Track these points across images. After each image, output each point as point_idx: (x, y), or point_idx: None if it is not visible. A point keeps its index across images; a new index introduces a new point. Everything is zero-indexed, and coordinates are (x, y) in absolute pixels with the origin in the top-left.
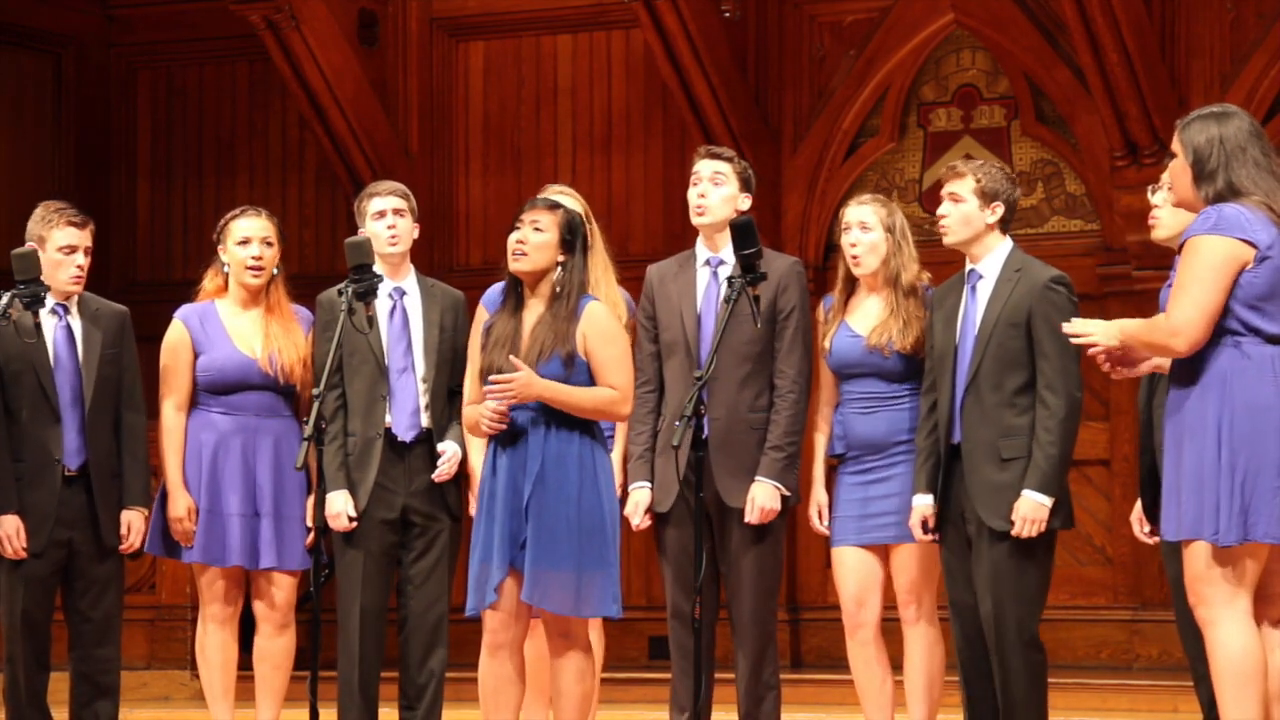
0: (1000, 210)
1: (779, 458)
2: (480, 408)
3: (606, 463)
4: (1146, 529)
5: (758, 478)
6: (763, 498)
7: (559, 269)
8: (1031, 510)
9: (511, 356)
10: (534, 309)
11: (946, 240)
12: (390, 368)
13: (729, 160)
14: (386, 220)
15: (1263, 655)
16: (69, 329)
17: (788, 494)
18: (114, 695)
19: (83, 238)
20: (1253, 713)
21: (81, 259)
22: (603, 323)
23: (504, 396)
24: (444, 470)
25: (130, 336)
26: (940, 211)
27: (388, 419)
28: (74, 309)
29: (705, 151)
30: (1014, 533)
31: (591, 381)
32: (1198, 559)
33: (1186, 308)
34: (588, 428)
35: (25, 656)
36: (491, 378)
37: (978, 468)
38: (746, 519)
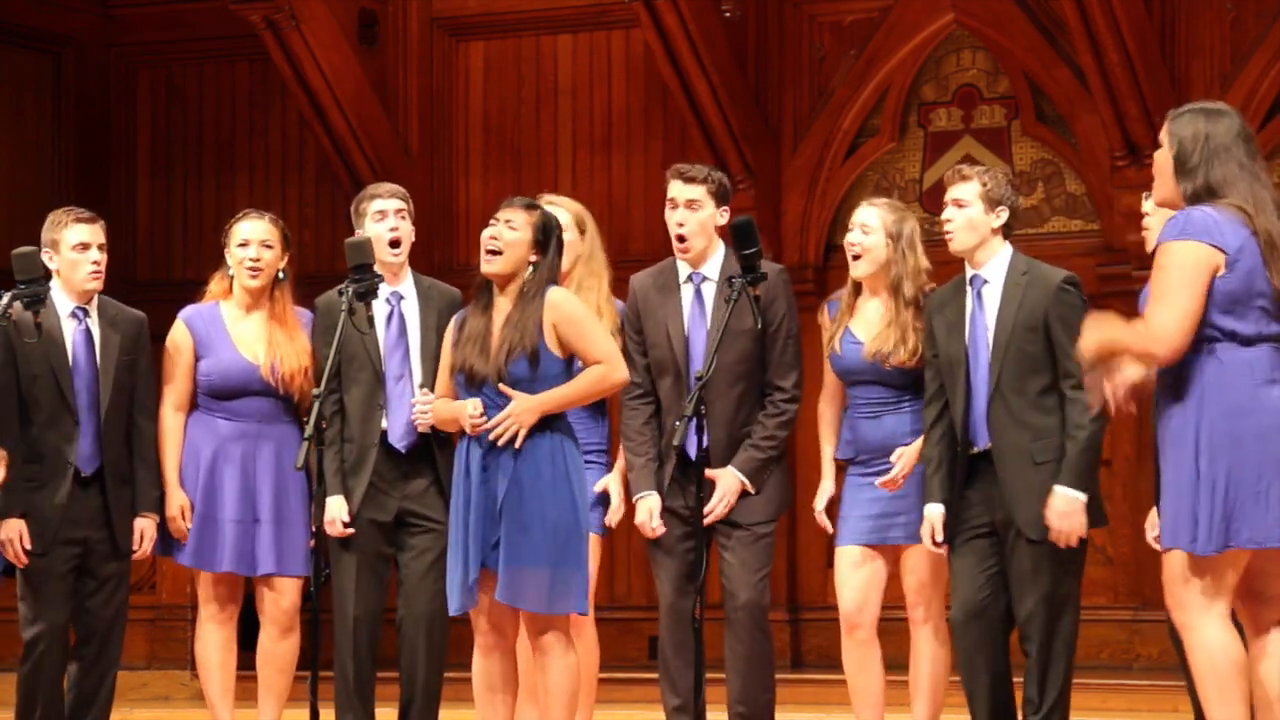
0: (1004, 215)
1: (755, 455)
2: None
3: (577, 458)
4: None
5: (729, 467)
6: (725, 483)
7: (530, 269)
8: (1065, 504)
9: (504, 386)
10: (502, 308)
11: (952, 247)
12: (387, 375)
13: (702, 182)
14: (389, 221)
15: (1243, 655)
16: (88, 332)
17: (753, 492)
18: (112, 691)
19: (94, 233)
20: (1237, 712)
21: (96, 255)
22: (566, 306)
23: (508, 434)
24: (418, 415)
25: (147, 342)
26: (945, 216)
27: (384, 426)
28: (93, 313)
29: (676, 173)
30: (1052, 534)
31: (563, 368)
32: (1174, 566)
33: (1162, 314)
34: (557, 421)
35: (50, 650)
36: (485, 423)
37: (1013, 473)
38: (709, 506)
